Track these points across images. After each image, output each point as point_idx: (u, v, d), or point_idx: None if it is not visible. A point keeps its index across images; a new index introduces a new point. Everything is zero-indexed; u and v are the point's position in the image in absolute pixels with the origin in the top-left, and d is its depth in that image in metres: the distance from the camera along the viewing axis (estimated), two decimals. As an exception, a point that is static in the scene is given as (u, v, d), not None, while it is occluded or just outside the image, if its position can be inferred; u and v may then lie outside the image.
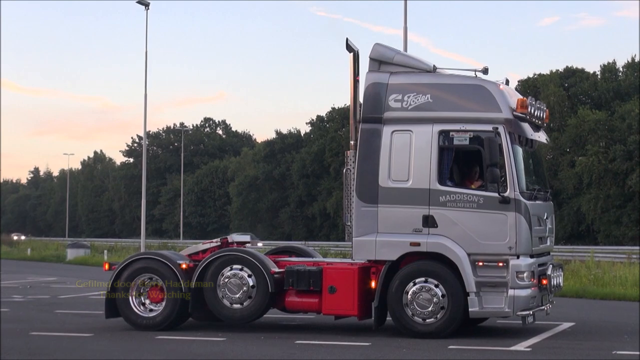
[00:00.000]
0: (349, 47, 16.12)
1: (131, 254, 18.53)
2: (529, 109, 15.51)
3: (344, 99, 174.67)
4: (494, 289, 14.93)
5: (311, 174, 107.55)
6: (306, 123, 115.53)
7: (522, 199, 14.98)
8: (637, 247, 48.20)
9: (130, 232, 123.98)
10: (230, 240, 17.33)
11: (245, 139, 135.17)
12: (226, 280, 16.02)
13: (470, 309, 14.95)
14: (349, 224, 15.96)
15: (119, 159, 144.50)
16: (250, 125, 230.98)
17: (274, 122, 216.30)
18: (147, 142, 54.02)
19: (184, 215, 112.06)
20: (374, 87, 15.65)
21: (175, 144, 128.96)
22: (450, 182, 15.30)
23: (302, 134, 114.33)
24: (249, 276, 15.95)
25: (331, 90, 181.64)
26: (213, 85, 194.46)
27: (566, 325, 16.89)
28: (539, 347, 14.18)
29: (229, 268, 16.07)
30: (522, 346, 14.34)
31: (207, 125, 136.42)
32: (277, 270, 15.97)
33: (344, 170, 16.26)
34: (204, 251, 17.04)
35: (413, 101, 15.42)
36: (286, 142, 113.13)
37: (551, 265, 15.90)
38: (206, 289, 16.10)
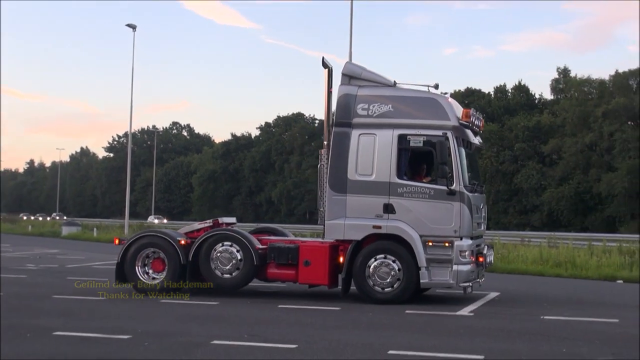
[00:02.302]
0: (324, 64, 15.77)
1: (136, 232, 17.91)
2: (471, 118, 15.31)
3: (287, 109, 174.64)
4: (441, 265, 14.67)
5: (259, 169, 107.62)
6: (256, 128, 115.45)
7: (465, 191, 14.77)
8: (529, 232, 48.60)
9: (109, 214, 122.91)
10: (220, 222, 16.86)
11: (205, 140, 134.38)
12: (218, 254, 15.57)
13: (421, 281, 14.68)
14: (321, 209, 15.58)
15: (101, 153, 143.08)
16: (210, 129, 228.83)
17: (230, 126, 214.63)
18: (131, 140, 52.75)
19: (154, 201, 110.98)
20: (345, 97, 15.29)
21: (148, 143, 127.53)
22: (406, 177, 14.99)
23: (253, 137, 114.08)
24: (237, 251, 15.52)
25: (277, 101, 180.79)
26: (178, 95, 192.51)
27: (493, 294, 16.67)
28: (479, 313, 13.92)
29: (220, 244, 15.62)
30: (465, 311, 14.09)
31: (174, 127, 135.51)
32: (260, 246, 15.58)
33: (319, 166, 15.87)
34: (199, 230, 16.56)
35: (377, 110, 15.10)
36: (239, 143, 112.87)
37: (486, 246, 15.77)
38: (201, 261, 15.63)
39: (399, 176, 14.90)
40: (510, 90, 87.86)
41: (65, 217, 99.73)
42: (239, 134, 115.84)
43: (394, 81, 15.52)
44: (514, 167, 79.27)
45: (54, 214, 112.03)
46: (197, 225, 16.80)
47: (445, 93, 15.58)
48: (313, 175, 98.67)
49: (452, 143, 14.69)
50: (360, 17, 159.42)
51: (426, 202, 14.77)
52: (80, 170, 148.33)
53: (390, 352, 9.86)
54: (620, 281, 22.03)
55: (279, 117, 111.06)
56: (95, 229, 51.29)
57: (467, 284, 14.77)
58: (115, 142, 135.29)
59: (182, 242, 15.85)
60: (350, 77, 15.46)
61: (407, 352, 9.88)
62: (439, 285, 14.97)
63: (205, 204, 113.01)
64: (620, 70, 78.80)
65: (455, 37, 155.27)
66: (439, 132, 14.71)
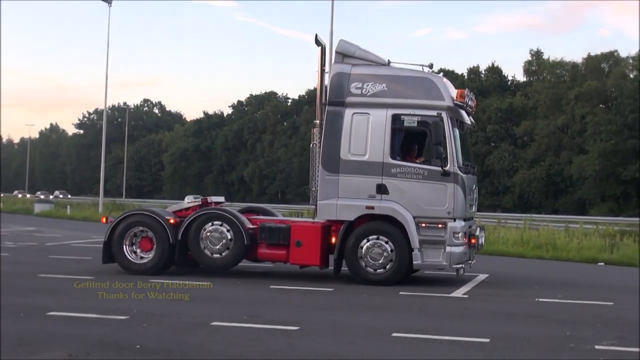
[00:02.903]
0: (318, 42, 15.53)
1: (125, 210, 17.63)
2: (465, 99, 15.16)
3: (260, 87, 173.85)
4: (434, 246, 14.55)
5: (232, 147, 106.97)
6: (229, 106, 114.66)
7: (459, 172, 14.66)
8: (504, 214, 48.61)
9: (79, 191, 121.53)
10: (209, 201, 16.61)
11: (177, 117, 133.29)
12: (208, 234, 15.33)
13: (414, 262, 14.57)
14: (313, 189, 15.39)
15: (71, 130, 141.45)
16: (182, 106, 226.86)
17: (202, 104, 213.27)
18: (106, 117, 52.25)
19: (125, 179, 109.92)
20: (338, 76, 15.07)
21: (119, 120, 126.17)
22: (399, 157, 14.83)
23: (225, 115, 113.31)
24: (228, 231, 15.29)
25: (250, 79, 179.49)
26: (149, 72, 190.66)
27: (482, 276, 16.60)
28: (473, 295, 13.83)
29: (210, 224, 15.37)
30: (459, 293, 14.00)
31: (145, 105, 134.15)
32: (251, 226, 15.37)
33: (311, 145, 15.65)
34: (187, 209, 16.30)
35: (371, 89, 14.90)
36: (212, 121, 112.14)
37: (478, 228, 15.68)
38: (190, 240, 15.39)
39: (393, 156, 14.74)
40: (483, 72, 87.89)
41: (69, 196, 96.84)
42: (211, 112, 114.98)
43: (388, 60, 15.32)
44: (487, 149, 79.40)
45: (57, 191, 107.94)
46: (185, 203, 16.52)
47: (439, 72, 15.42)
48: (285, 155, 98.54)
49: (447, 124, 14.54)
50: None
51: (420, 183, 14.62)
52: (49, 147, 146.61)
53: (394, 334, 9.72)
54: (602, 263, 22.12)
55: (251, 95, 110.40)
56: (68, 207, 50.66)
57: (459, 265, 14.69)
58: (85, 119, 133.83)
59: (171, 221, 15.59)
60: (344, 55, 15.23)
61: (411, 334, 9.74)
62: (432, 266, 14.87)
63: (177, 182, 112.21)
64: (593, 54, 79.29)
65: (428, 18, 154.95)
66: (434, 113, 14.56)
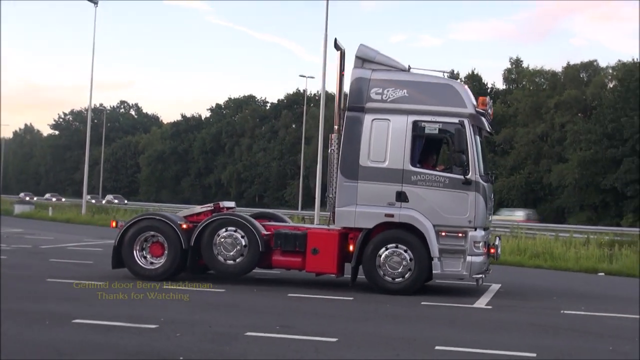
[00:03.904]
0: (337, 46, 15.25)
1: (137, 214, 17.17)
2: (487, 106, 14.97)
3: (238, 91, 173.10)
4: (453, 255, 14.30)
5: (209, 150, 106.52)
6: (207, 109, 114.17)
7: (481, 181, 14.43)
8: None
9: (53, 192, 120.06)
10: (221, 206, 16.25)
11: (153, 120, 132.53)
12: (222, 240, 14.97)
13: (434, 271, 14.31)
14: (331, 196, 15.07)
15: (46, 131, 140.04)
16: (159, 109, 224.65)
17: (179, 107, 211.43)
18: (90, 118, 51.61)
19: (101, 180, 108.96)
20: (358, 81, 14.78)
21: (95, 121, 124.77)
22: (419, 165, 14.58)
23: (203, 118, 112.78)
24: (242, 237, 14.94)
25: (228, 83, 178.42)
26: (125, 74, 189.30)
27: (496, 286, 16.38)
28: (496, 306, 13.55)
29: (224, 230, 15.01)
30: (481, 304, 13.76)
31: (122, 106, 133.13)
32: (266, 232, 15.03)
33: (329, 151, 15.29)
34: (199, 214, 15.96)
35: (391, 95, 14.62)
36: (189, 124, 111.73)
37: (497, 237, 15.47)
38: (203, 246, 15.03)
39: (413, 164, 14.47)
40: (463, 79, 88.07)
41: (126, 201, 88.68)
42: (189, 115, 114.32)
43: (409, 66, 15.09)
44: (466, 156, 79.45)
45: (111, 196, 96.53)
46: (197, 209, 16.18)
47: (459, 79, 15.19)
48: (264, 159, 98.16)
49: (469, 131, 14.31)
50: (313, 3, 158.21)
51: (440, 191, 14.36)
52: (23, 147, 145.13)
53: (438, 347, 9.44)
54: (602, 273, 21.99)
55: (230, 98, 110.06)
56: (50, 209, 49.94)
57: (479, 275, 14.47)
58: (61, 120, 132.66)
59: (184, 226, 15.23)
60: (363, 60, 14.94)
61: (454, 347, 9.47)
62: (452, 276, 14.60)
63: (153, 185, 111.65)
64: (572, 63, 79.81)
65: (403, 25, 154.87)
66: (455, 120, 14.32)
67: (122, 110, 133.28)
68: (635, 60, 70.12)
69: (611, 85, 74.95)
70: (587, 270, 22.47)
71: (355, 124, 14.73)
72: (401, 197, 14.44)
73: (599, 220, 65.20)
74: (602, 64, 79.57)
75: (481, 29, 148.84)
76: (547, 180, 72.75)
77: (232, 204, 17.03)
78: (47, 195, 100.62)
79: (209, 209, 16.00)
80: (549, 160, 74.07)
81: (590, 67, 79.51)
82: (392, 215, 14.47)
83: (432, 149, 15.19)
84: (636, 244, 25.71)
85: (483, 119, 14.94)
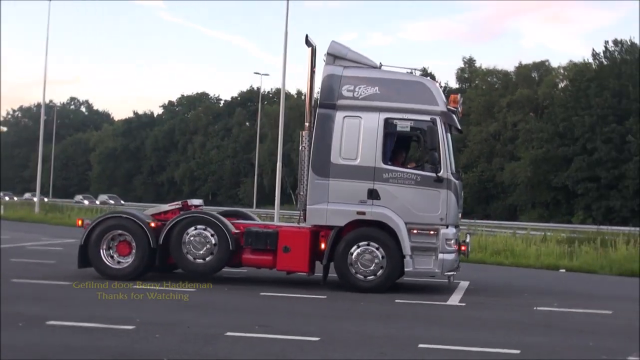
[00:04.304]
0: (308, 42, 15.09)
1: (102, 213, 16.76)
2: (458, 104, 14.97)
3: (191, 88, 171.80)
4: (425, 253, 14.27)
5: (162, 148, 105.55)
6: (159, 106, 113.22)
7: (452, 178, 14.44)
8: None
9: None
10: (189, 204, 16.02)
11: (105, 117, 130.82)
12: (191, 238, 14.76)
13: (405, 269, 14.28)
14: (302, 193, 14.93)
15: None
16: (110, 106, 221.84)
17: (131, 104, 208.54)
18: (44, 113, 50.84)
19: (51, 178, 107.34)
20: (330, 78, 14.67)
21: (45, 118, 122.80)
22: (391, 162, 14.52)
23: (155, 115, 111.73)
24: (212, 235, 14.74)
25: (181, 80, 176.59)
26: (75, 70, 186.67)
27: (464, 283, 16.39)
28: (470, 303, 13.53)
29: (193, 228, 14.80)
30: (454, 301, 13.75)
31: (72, 103, 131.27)
32: (236, 231, 14.85)
33: (300, 148, 15.15)
34: (166, 212, 15.71)
35: (363, 92, 14.54)
36: (142, 121, 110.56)
37: (467, 234, 15.49)
38: (172, 245, 14.79)
39: (385, 161, 14.41)
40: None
41: (122, 202, 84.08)
42: (140, 112, 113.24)
43: (380, 63, 15.00)
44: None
45: (105, 196, 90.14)
46: (165, 207, 15.94)
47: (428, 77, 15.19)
48: (217, 156, 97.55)
49: (441, 129, 14.29)
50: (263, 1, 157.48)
51: (412, 189, 14.32)
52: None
53: (421, 345, 9.37)
54: (563, 270, 22.19)
55: (183, 96, 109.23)
56: (2, 207, 48.94)
57: (451, 273, 14.47)
58: (9, 116, 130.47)
59: (153, 224, 14.97)
60: (335, 57, 14.83)
61: (437, 345, 9.41)
62: (423, 274, 14.59)
63: (104, 183, 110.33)
64: (524, 62, 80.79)
65: (354, 23, 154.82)
66: (427, 118, 14.28)
67: (73, 106, 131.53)
68: (587, 60, 71.15)
69: (562, 85, 75.99)
70: (548, 267, 22.63)
71: (326, 121, 14.61)
72: (373, 194, 14.37)
73: (550, 217, 66.16)
74: (553, 64, 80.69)
75: (431, 28, 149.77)
76: (500, 179, 73.52)
77: (200, 201, 16.83)
78: (103, 197, 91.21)
79: (177, 207, 15.78)
80: (502, 158, 74.83)
81: (541, 67, 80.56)
82: (363, 213, 14.38)
83: (401, 146, 15.12)
84: (595, 241, 25.98)
85: (454, 116, 14.94)
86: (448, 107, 14.63)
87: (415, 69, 15.02)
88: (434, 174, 14.22)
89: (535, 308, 13.10)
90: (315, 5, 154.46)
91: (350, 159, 14.46)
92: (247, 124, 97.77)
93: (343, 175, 14.47)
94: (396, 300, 13.40)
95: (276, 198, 32.35)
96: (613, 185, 64.28)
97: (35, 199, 79.06)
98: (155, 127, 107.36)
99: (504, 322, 11.52)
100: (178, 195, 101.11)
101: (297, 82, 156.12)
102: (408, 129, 14.52)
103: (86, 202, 74.84)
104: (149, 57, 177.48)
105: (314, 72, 15.18)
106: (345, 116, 14.54)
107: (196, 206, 16.20)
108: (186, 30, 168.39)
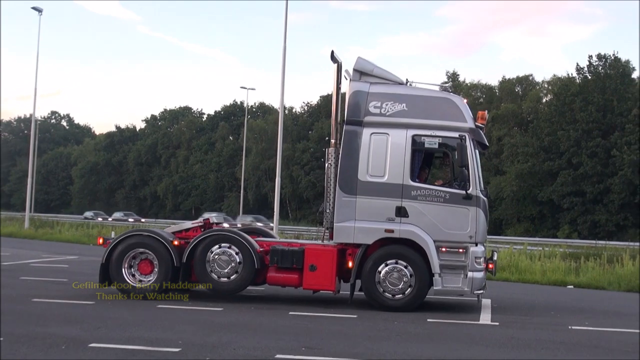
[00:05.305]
0: (334, 59, 14.90)
1: (125, 231, 16.44)
2: (485, 121, 14.86)
3: (175, 102, 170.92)
4: (454, 271, 14.10)
5: (145, 162, 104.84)
6: (142, 120, 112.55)
7: (481, 195, 14.29)
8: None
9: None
10: (212, 221, 15.77)
11: (86, 131, 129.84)
12: (215, 256, 14.53)
13: (434, 288, 14.10)
14: (327, 211, 14.71)
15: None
16: (91, 120, 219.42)
17: (113, 118, 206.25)
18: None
19: (33, 192, 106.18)
20: (356, 94, 14.51)
21: (25, 132, 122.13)
22: (419, 179, 14.36)
23: (138, 129, 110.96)
24: (237, 253, 14.51)
25: (164, 94, 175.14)
26: (55, 85, 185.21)
27: (487, 301, 16.18)
28: (503, 322, 13.33)
29: (217, 246, 14.57)
30: (486, 320, 13.56)
31: (53, 117, 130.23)
32: (260, 249, 14.62)
33: (326, 165, 14.94)
34: (188, 230, 15.48)
35: (390, 108, 14.39)
36: (124, 135, 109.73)
37: (494, 252, 15.33)
38: (196, 263, 14.54)
39: (413, 178, 14.25)
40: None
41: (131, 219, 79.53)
42: (123, 126, 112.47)
43: (407, 79, 14.88)
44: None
45: (93, 213, 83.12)
46: (187, 224, 15.70)
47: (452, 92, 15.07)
48: (201, 170, 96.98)
49: (470, 146, 14.16)
50: (241, 15, 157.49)
51: (441, 206, 14.16)
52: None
53: (478, 368, 9.18)
54: (571, 286, 22.12)
55: (165, 110, 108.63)
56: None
57: (480, 291, 14.30)
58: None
59: (176, 242, 14.71)
60: (361, 73, 14.69)
61: (493, 368, 9.23)
62: (452, 292, 14.37)
63: (86, 197, 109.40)
64: (507, 77, 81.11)
65: (333, 37, 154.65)
66: (455, 134, 14.15)
67: (54, 120, 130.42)
68: (571, 75, 71.53)
69: (546, 99, 76.33)
70: (555, 283, 22.57)
71: (353, 138, 14.44)
72: (401, 212, 14.19)
73: (536, 231, 66.26)
74: (536, 78, 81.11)
75: (410, 42, 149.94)
76: (485, 193, 73.47)
77: (220, 219, 16.56)
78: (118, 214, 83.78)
79: (199, 224, 15.53)
80: (487, 172, 74.82)
81: (525, 81, 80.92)
82: (392, 231, 14.20)
83: (424, 163, 14.96)
84: (602, 257, 25.93)
85: (481, 133, 14.81)
86: (476, 123, 14.50)
87: (441, 85, 14.91)
88: (463, 191, 14.06)
89: (570, 327, 12.95)
90: (295, 19, 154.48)
91: (377, 176, 14.29)
92: (231, 137, 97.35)
93: (370, 193, 14.29)
94: (428, 320, 13.20)
95: (275, 212, 31.99)
96: (598, 200, 64.48)
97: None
98: (137, 141, 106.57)
99: (545, 343, 11.35)
100: (161, 209, 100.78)
101: (279, 97, 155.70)
102: (436, 146, 14.38)
103: (100, 219, 70.45)
104: (129, 71, 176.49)
105: (339, 88, 15.00)
106: (373, 133, 14.38)
107: (217, 224, 15.94)
108: (165, 44, 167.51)
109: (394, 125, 14.35)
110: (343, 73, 15.04)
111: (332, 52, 14.81)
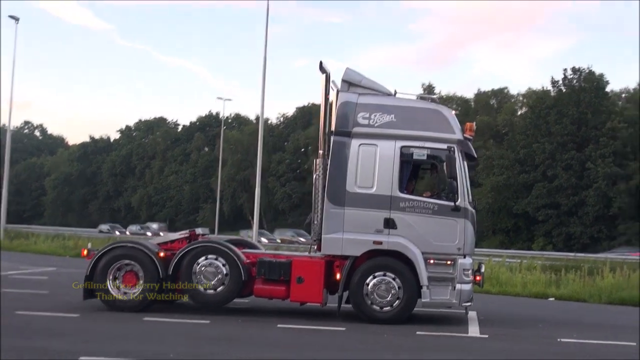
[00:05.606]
0: (322, 69, 14.80)
1: (109, 242, 16.21)
2: (473, 133, 14.85)
3: (150, 113, 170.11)
4: (442, 283, 14.03)
5: (119, 173, 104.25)
6: (116, 131, 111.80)
7: (469, 207, 14.25)
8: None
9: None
10: (197, 233, 15.59)
11: (59, 141, 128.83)
12: (202, 268, 14.36)
13: (422, 300, 14.03)
14: (315, 222, 14.59)
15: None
16: (64, 130, 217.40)
17: (86, 128, 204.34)
18: (9, 139, 49.58)
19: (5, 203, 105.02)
20: (345, 105, 14.43)
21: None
22: (407, 191, 14.30)
23: (112, 140, 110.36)
24: (224, 265, 14.36)
25: (138, 104, 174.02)
26: (27, 95, 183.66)
27: (473, 313, 16.12)
28: (492, 334, 13.27)
29: (204, 258, 14.41)
30: (475, 333, 13.49)
31: (26, 127, 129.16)
32: (247, 261, 14.48)
33: (314, 177, 14.82)
34: (173, 241, 15.29)
35: (379, 119, 14.32)
36: (98, 146, 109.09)
37: (481, 264, 15.28)
38: (182, 275, 14.36)
39: (401, 190, 14.18)
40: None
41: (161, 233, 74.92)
42: (97, 137, 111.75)
43: (395, 90, 14.82)
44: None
45: (155, 225, 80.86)
46: (173, 235, 15.50)
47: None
48: (176, 181, 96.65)
49: (458, 157, 14.13)
50: (216, 26, 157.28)
51: (429, 218, 14.10)
52: None
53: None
54: (552, 298, 22.15)
55: (140, 120, 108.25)
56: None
57: (468, 303, 14.25)
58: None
59: (162, 254, 14.52)
60: (349, 83, 14.61)
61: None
62: (441, 304, 14.29)
63: (59, 208, 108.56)
64: (482, 90, 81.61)
65: (305, 49, 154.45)
66: (444, 146, 14.10)
67: (27, 130, 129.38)
68: (545, 88, 72.06)
69: (521, 112, 76.84)
70: (536, 296, 22.57)
71: (341, 149, 14.36)
72: (389, 224, 14.11)
73: (511, 244, 66.51)
74: (511, 91, 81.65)
75: (383, 55, 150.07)
76: (461, 205, 73.66)
77: (205, 230, 16.40)
78: (154, 226, 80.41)
79: (184, 236, 15.35)
80: (463, 185, 75.07)
81: (500, 94, 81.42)
82: (380, 243, 14.11)
83: (411, 175, 14.90)
84: (582, 269, 25.99)
85: (469, 144, 14.80)
86: (464, 135, 14.48)
87: (429, 97, 14.87)
88: (451, 203, 14.02)
89: (559, 339, 12.92)
90: (270, 30, 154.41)
91: (366, 187, 14.21)
92: (206, 149, 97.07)
93: (359, 204, 14.20)
94: (417, 332, 13.11)
95: (254, 223, 31.83)
96: (573, 212, 64.94)
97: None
98: (112, 152, 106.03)
99: (537, 354, 11.33)
100: (135, 220, 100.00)
101: (255, 109, 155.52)
102: (425, 157, 14.33)
103: (117, 232, 68.01)
104: (103, 81, 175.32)
105: (327, 99, 14.91)
106: (361, 144, 14.30)
107: (202, 235, 15.77)
108: (140, 54, 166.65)
109: (383, 136, 14.28)
110: (331, 84, 14.94)
111: (321, 63, 14.72)
